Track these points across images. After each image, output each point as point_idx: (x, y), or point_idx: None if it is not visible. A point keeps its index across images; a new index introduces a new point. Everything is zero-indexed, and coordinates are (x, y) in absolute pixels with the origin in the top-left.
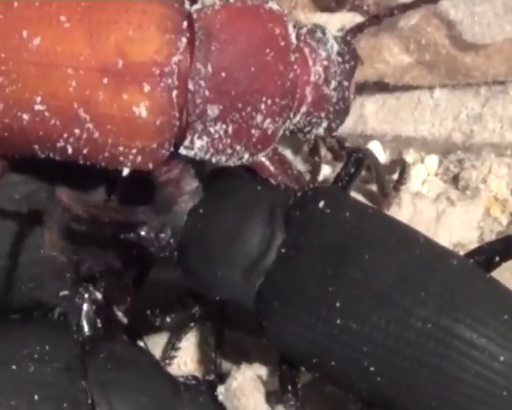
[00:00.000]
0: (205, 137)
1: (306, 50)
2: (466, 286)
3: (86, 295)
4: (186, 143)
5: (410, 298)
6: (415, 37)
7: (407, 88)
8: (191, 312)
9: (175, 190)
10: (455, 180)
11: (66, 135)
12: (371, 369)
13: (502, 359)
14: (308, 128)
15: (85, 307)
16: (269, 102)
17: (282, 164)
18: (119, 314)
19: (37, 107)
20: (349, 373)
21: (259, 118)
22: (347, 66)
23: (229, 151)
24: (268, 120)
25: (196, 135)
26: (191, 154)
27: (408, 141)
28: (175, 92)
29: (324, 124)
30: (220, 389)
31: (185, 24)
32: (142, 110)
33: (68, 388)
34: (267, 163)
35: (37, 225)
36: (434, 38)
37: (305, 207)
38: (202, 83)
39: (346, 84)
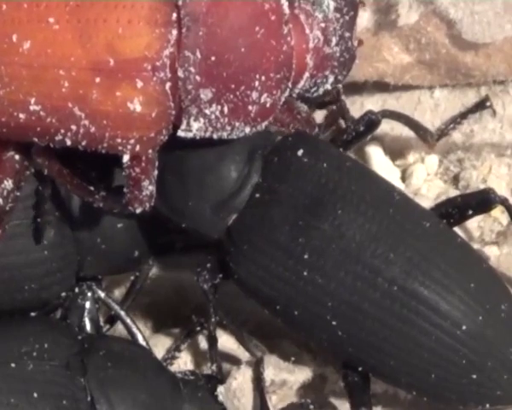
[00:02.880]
0: (201, 119)
1: (302, 17)
2: (436, 251)
3: (89, 294)
4: (183, 126)
5: (378, 258)
6: (415, 36)
7: (407, 88)
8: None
9: None
10: (455, 180)
11: (63, 131)
12: (333, 323)
13: (464, 328)
14: (315, 88)
15: (88, 305)
16: (263, 78)
17: (291, 111)
18: (122, 313)
19: (32, 107)
20: (311, 324)
21: (255, 94)
22: (347, 17)
23: (228, 128)
24: (264, 95)
25: (192, 118)
26: (190, 135)
27: (408, 141)
28: (168, 84)
29: (331, 79)
30: (220, 389)
31: (174, 15)
32: (136, 105)
33: (67, 385)
34: (277, 114)
35: (39, 225)
36: (434, 37)
37: (283, 153)
38: (192, 69)
39: (347, 35)
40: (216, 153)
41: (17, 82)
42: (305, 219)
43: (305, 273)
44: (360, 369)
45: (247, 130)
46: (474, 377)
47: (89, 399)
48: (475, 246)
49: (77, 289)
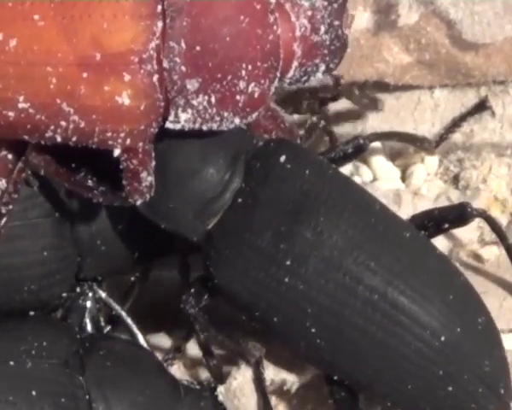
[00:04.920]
0: (189, 110)
1: (287, 6)
2: (416, 261)
3: (90, 294)
4: (171, 118)
5: (360, 266)
6: (415, 36)
7: (407, 88)
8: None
9: None
10: (455, 180)
11: (53, 127)
12: (312, 330)
13: (442, 339)
14: (305, 77)
15: (89, 305)
16: (249, 67)
17: (275, 119)
18: (123, 314)
19: (20, 105)
20: (289, 330)
21: (242, 84)
22: (335, 6)
23: (217, 118)
24: (252, 85)
25: (180, 109)
26: (178, 127)
27: None
28: (156, 76)
29: (322, 67)
30: (220, 389)
31: (160, 8)
32: (124, 99)
33: (66, 383)
34: (261, 120)
35: (39, 226)
36: (434, 37)
37: (266, 158)
38: (177, 59)
39: (336, 23)
40: (198, 156)
41: (5, 80)
42: (287, 226)
43: (287, 280)
44: (335, 378)
45: (237, 121)
46: (450, 389)
47: (87, 397)
48: (475, 246)
49: (78, 289)
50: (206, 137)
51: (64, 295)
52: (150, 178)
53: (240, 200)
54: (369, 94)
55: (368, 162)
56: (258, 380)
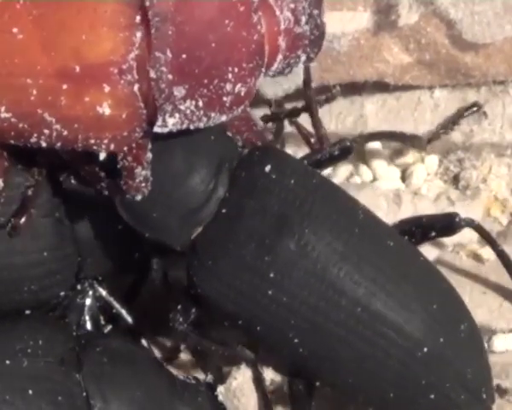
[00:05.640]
0: (176, 115)
1: (271, 0)
2: (399, 272)
3: (91, 292)
4: (159, 123)
5: (343, 279)
6: (415, 36)
7: (407, 88)
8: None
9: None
10: (455, 180)
11: (36, 135)
12: (295, 340)
13: (425, 350)
14: (288, 69)
15: (89, 302)
16: (236, 70)
17: (248, 121)
18: (123, 312)
19: (3, 115)
20: (273, 340)
21: (229, 86)
22: None
23: (204, 119)
24: (239, 85)
25: (167, 115)
26: (166, 130)
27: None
28: (137, 86)
29: (303, 58)
30: (220, 389)
31: (138, 18)
32: (105, 109)
33: (63, 381)
34: (235, 121)
35: (39, 226)
36: (434, 37)
37: (250, 168)
38: (164, 69)
39: (316, 12)
40: (182, 165)
41: None
42: (271, 238)
43: (270, 292)
44: (317, 384)
45: (224, 118)
46: (432, 397)
47: (84, 395)
48: (475, 246)
49: (79, 287)
50: (191, 146)
51: (62, 293)
52: (144, 173)
53: (224, 210)
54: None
55: (368, 162)
56: (258, 380)
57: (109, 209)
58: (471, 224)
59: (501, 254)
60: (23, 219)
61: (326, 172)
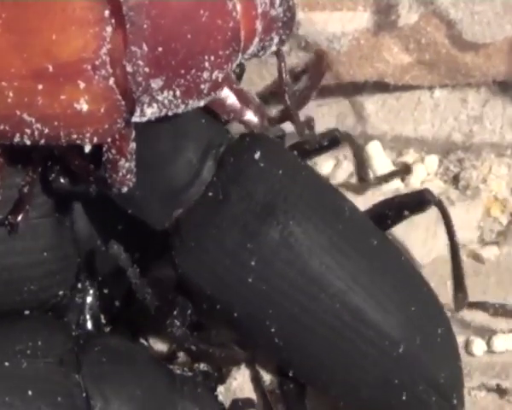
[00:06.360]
0: (154, 105)
1: None
2: (381, 271)
3: (91, 291)
4: (137, 113)
5: (324, 272)
6: (415, 36)
7: (407, 88)
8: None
9: None
10: (455, 180)
11: (18, 134)
12: (272, 330)
13: (401, 350)
14: (262, 51)
15: (89, 301)
16: (212, 58)
17: (243, 98)
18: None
19: None
20: (249, 328)
21: (206, 74)
22: None
23: (182, 106)
24: (216, 72)
25: (145, 105)
26: (144, 119)
27: (408, 141)
28: (112, 79)
29: (276, 40)
30: (220, 389)
31: (107, 12)
32: (83, 105)
33: (62, 382)
34: (229, 99)
35: (39, 226)
36: (434, 37)
37: (240, 154)
38: (140, 62)
39: None
40: (169, 146)
41: None
42: (255, 225)
43: (250, 280)
44: (290, 374)
45: (202, 103)
46: (404, 398)
47: (84, 395)
48: (475, 246)
49: (79, 285)
50: (179, 128)
51: (60, 293)
52: (128, 165)
53: (210, 193)
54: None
55: (368, 162)
56: (258, 380)
57: (109, 209)
58: (439, 204)
59: (453, 246)
60: (20, 217)
61: (326, 172)
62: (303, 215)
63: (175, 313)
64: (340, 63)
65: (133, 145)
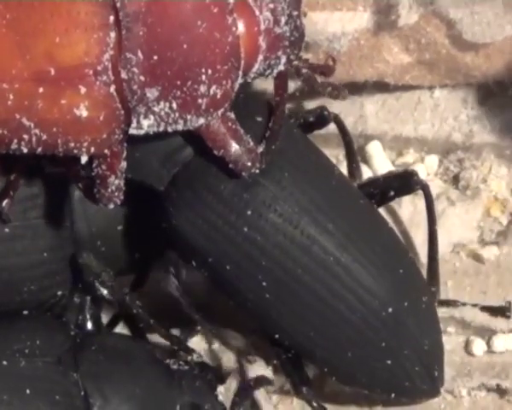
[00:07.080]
0: (151, 116)
1: (250, 0)
2: (371, 231)
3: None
4: (134, 125)
5: (317, 227)
6: (415, 36)
7: (407, 88)
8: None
9: None
10: (455, 180)
11: (16, 140)
12: (263, 284)
13: (390, 310)
14: (269, 71)
15: (89, 301)
16: (209, 71)
17: (238, 138)
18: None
19: None
20: (240, 281)
21: (203, 88)
22: None
23: (180, 121)
24: (214, 87)
25: (141, 116)
26: (142, 132)
27: (408, 141)
28: (113, 86)
29: (283, 59)
30: (220, 389)
31: (112, 18)
32: (82, 111)
33: (60, 381)
34: (222, 136)
35: (39, 226)
36: (434, 37)
37: (237, 113)
38: (135, 70)
39: (295, 13)
40: None
41: None
42: (251, 175)
43: (245, 230)
44: (276, 337)
45: (202, 121)
46: (389, 362)
47: (82, 394)
48: (475, 246)
49: (79, 285)
50: None
51: (60, 293)
52: (117, 182)
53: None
54: (333, 82)
55: (368, 162)
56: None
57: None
58: (425, 188)
59: (432, 234)
60: (4, 203)
61: None
62: (298, 170)
63: (171, 268)
64: (340, 63)
65: (124, 164)
